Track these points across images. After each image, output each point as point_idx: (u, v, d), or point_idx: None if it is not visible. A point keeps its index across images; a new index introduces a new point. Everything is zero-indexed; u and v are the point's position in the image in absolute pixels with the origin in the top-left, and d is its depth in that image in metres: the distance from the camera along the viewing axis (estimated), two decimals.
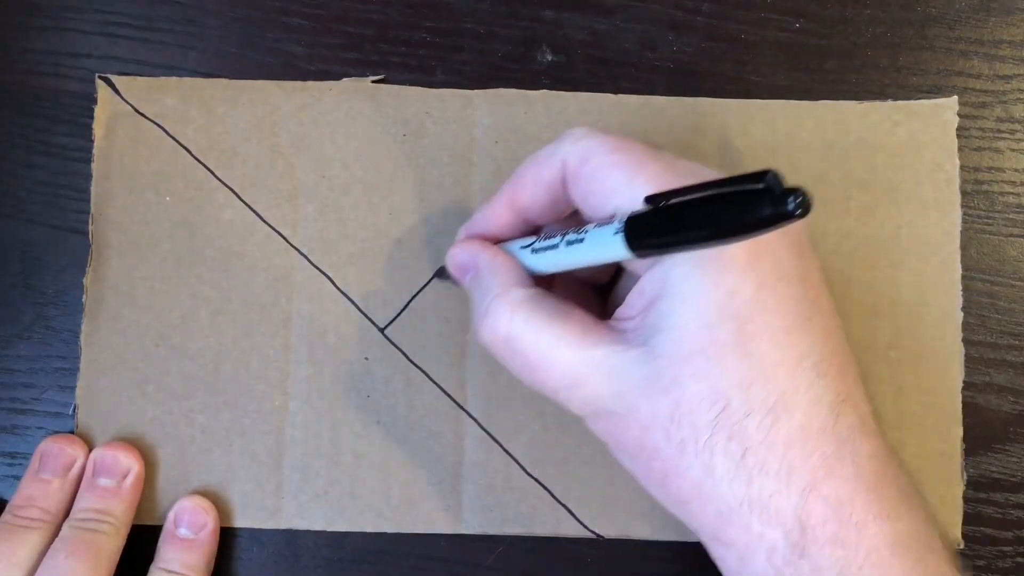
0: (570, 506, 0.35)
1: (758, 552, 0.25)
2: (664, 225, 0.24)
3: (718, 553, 0.26)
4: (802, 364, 0.24)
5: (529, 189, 0.29)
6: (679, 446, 0.25)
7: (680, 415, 0.24)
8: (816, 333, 0.25)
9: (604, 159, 0.26)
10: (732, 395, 0.24)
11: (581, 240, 0.26)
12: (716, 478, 0.24)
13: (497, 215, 0.30)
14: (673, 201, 0.24)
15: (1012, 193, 0.36)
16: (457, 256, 0.31)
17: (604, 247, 0.26)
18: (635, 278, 0.27)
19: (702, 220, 0.22)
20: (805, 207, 0.20)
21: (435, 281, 0.35)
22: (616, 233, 0.25)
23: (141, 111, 0.36)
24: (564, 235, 0.27)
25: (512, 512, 0.35)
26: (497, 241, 0.31)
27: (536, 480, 0.35)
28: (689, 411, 0.24)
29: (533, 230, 0.31)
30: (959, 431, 0.35)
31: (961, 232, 0.36)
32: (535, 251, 0.29)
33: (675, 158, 0.26)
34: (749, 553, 0.25)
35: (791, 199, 0.20)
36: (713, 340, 0.24)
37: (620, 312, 0.27)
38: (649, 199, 0.24)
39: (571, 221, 0.30)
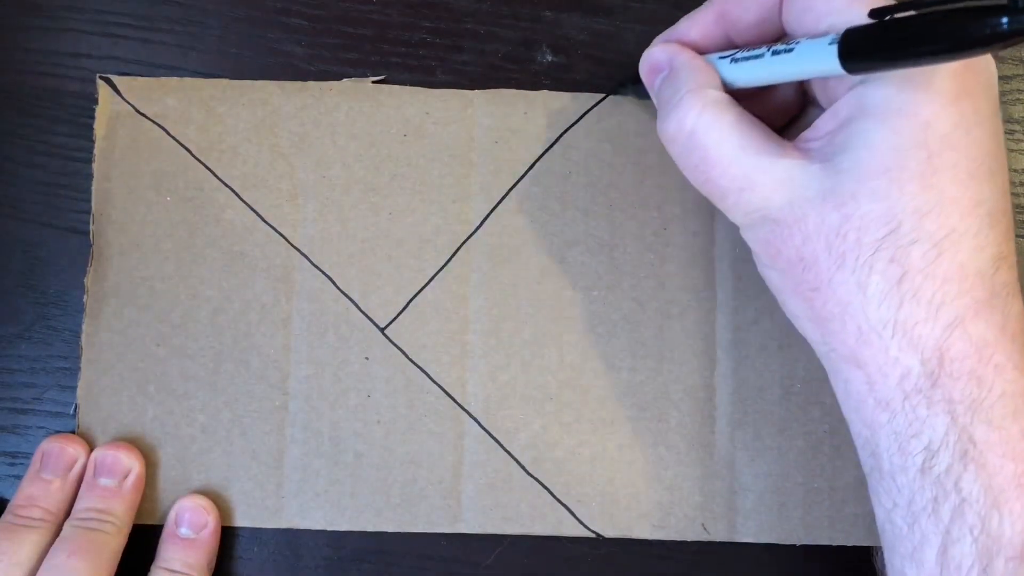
0: (570, 506, 0.35)
1: (891, 375, 0.25)
2: (888, 39, 0.23)
3: (848, 376, 0.26)
4: (977, 210, 0.25)
5: (743, 3, 0.29)
6: (839, 259, 0.25)
7: (848, 229, 0.25)
8: (996, 186, 0.26)
9: None
10: (905, 220, 0.24)
11: (790, 51, 0.26)
12: (867, 296, 0.25)
13: (703, 25, 0.30)
14: (900, 16, 0.24)
15: (1012, 193, 0.36)
16: (655, 55, 0.30)
17: (815, 59, 0.26)
18: (821, 111, 0.27)
19: (931, 34, 0.22)
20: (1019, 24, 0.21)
21: (610, 98, 0.35)
22: (831, 43, 0.25)
23: (142, 111, 0.36)
24: (771, 47, 0.28)
25: (512, 511, 0.35)
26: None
27: (536, 480, 0.35)
28: (858, 227, 0.25)
29: (730, 47, 0.31)
30: None
31: None
32: (735, 61, 0.29)
33: None
34: (881, 375, 0.25)
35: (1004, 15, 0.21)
36: (900, 164, 0.24)
37: (806, 134, 0.27)
38: (874, 12, 0.24)
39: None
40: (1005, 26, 0.21)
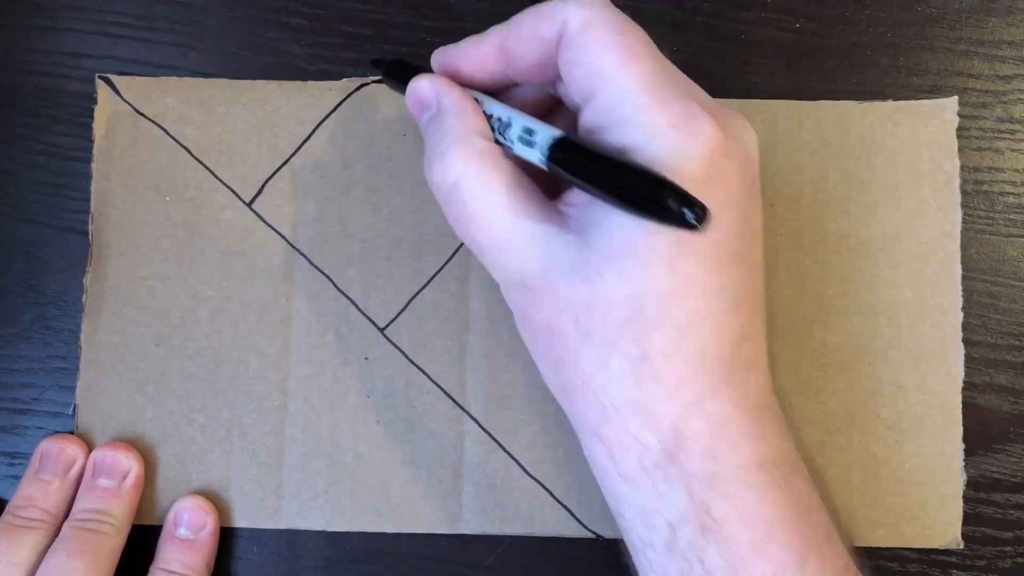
0: (570, 506, 0.35)
1: (630, 451, 0.25)
2: (579, 164, 0.25)
3: (592, 448, 0.27)
4: (722, 293, 0.25)
5: (523, 41, 0.27)
6: (584, 335, 0.25)
7: (594, 307, 0.25)
8: (743, 269, 0.26)
9: (606, 35, 0.26)
10: (649, 303, 0.24)
11: (532, 145, 0.26)
12: (609, 373, 0.25)
13: (482, 56, 0.29)
14: (587, 147, 0.25)
15: (1012, 193, 0.36)
16: (423, 90, 0.29)
17: (531, 156, 0.26)
18: None
19: (608, 179, 0.24)
20: (700, 221, 0.22)
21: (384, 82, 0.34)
22: (541, 155, 0.26)
23: (141, 111, 0.36)
24: (503, 131, 0.27)
25: (512, 512, 0.35)
26: (466, 84, 0.30)
27: (536, 480, 0.35)
28: (604, 307, 0.25)
29: (508, 85, 0.30)
30: (959, 431, 0.35)
31: (961, 232, 0.36)
32: (500, 134, 0.28)
33: (672, 68, 0.27)
34: (622, 450, 0.26)
35: (695, 209, 0.22)
36: (648, 246, 0.24)
37: (567, 196, 0.27)
38: (563, 137, 0.25)
39: (547, 89, 0.30)
40: (668, 209, 0.22)
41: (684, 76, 0.27)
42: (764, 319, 0.27)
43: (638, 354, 0.25)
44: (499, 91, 0.30)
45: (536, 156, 0.26)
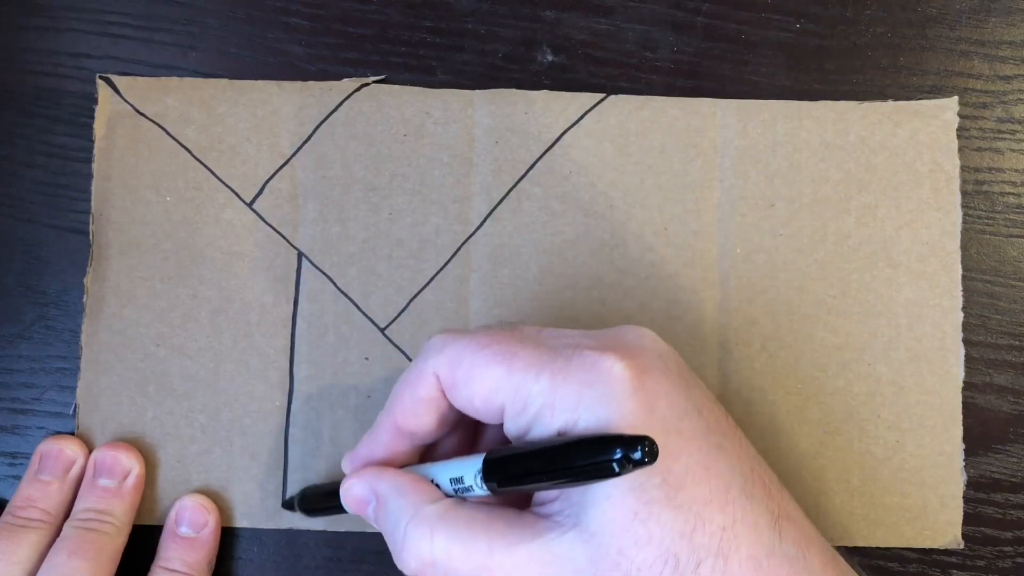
0: None
1: None
2: (518, 472, 0.25)
3: None
4: (730, 494, 0.25)
5: (410, 412, 0.28)
6: None
7: None
8: (732, 457, 0.25)
9: (476, 358, 0.26)
10: (678, 549, 0.24)
11: (469, 489, 0.26)
12: None
13: (384, 445, 0.29)
14: (516, 452, 0.25)
15: (1012, 193, 0.36)
16: (354, 489, 0.29)
17: (480, 493, 0.26)
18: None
19: (550, 465, 0.24)
20: (653, 455, 0.22)
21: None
22: (482, 489, 0.26)
23: (141, 111, 0.36)
24: (455, 485, 0.27)
25: None
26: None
27: None
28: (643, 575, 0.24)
29: (426, 448, 0.30)
30: (959, 431, 0.35)
31: (961, 232, 0.36)
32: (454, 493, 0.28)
33: (550, 335, 0.27)
34: None
35: (640, 447, 0.22)
36: (644, 500, 0.24)
37: (541, 496, 0.26)
38: (488, 461, 0.25)
39: (459, 430, 0.30)
40: (618, 463, 0.22)
41: (559, 331, 0.27)
42: (777, 480, 0.27)
43: None
44: (422, 457, 0.30)
45: (483, 492, 0.26)
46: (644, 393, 0.25)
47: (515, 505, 0.27)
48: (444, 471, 0.28)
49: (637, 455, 0.22)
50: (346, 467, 0.30)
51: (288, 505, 0.34)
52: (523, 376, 0.25)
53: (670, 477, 0.24)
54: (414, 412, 0.28)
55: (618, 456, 0.22)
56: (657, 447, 0.22)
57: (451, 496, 0.27)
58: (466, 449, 0.31)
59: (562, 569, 0.25)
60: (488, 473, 0.25)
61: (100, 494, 0.33)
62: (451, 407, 0.28)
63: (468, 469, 0.26)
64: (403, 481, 0.28)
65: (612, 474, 0.22)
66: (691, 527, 0.24)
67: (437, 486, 0.28)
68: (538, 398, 0.25)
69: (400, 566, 0.27)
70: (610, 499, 0.24)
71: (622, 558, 0.24)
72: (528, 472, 0.24)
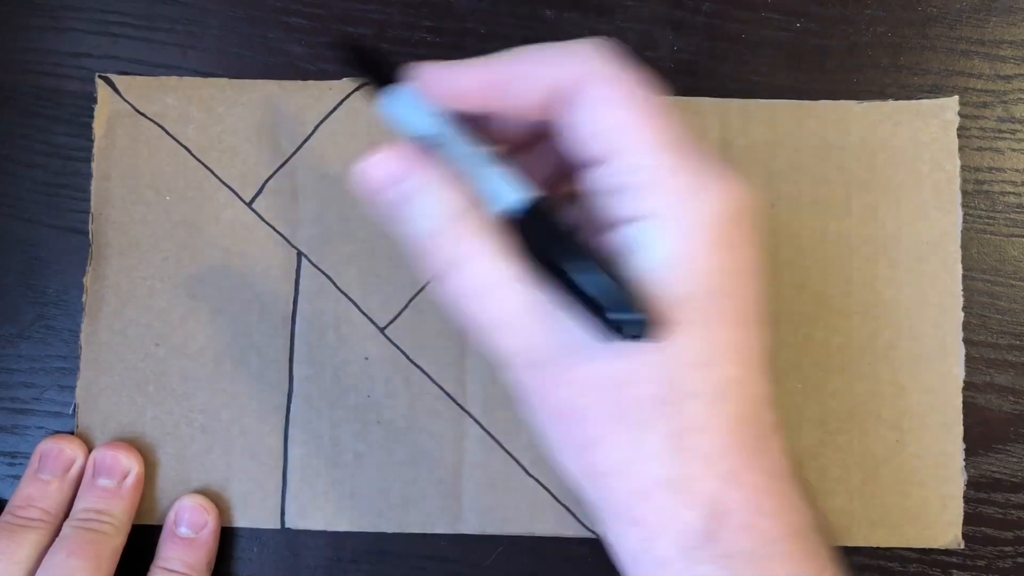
0: (570, 506, 0.35)
1: (667, 533, 0.24)
2: (544, 241, 0.23)
3: (623, 534, 0.25)
4: (750, 358, 0.24)
5: (521, 81, 0.25)
6: (613, 415, 0.23)
7: (624, 384, 0.23)
8: (763, 331, 0.25)
9: (620, 94, 0.24)
10: (681, 374, 0.23)
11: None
12: (644, 453, 0.23)
13: (468, 84, 0.25)
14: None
15: (1013, 193, 0.36)
16: (391, 164, 0.25)
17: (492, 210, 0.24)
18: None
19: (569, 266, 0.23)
20: (641, 328, 0.21)
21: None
22: (514, 205, 0.24)
23: (141, 111, 0.36)
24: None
25: (512, 512, 0.35)
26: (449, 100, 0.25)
27: (536, 480, 0.35)
28: (634, 382, 0.23)
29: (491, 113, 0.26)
30: (959, 431, 0.35)
31: (962, 232, 0.36)
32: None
33: (687, 137, 0.25)
34: (656, 534, 0.24)
35: (632, 322, 0.21)
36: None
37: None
38: (536, 209, 0.23)
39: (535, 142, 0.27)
40: (608, 322, 0.21)
41: (704, 157, 0.25)
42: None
43: (674, 429, 0.23)
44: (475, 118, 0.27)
45: (498, 211, 0.24)
46: (737, 235, 0.24)
47: None
48: (487, 175, 0.24)
49: (630, 332, 0.21)
50: (415, 73, 0.25)
51: (340, 49, 0.28)
52: (647, 145, 0.23)
53: (710, 308, 0.23)
54: (523, 80, 0.24)
55: (611, 319, 0.21)
56: (648, 331, 0.21)
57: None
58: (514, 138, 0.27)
59: (566, 333, 0.24)
60: (527, 218, 0.23)
61: (99, 494, 0.33)
62: (549, 110, 0.25)
63: (508, 192, 0.24)
64: (451, 180, 0.25)
65: (605, 327, 0.22)
66: (703, 362, 0.23)
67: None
68: (644, 174, 0.23)
69: (412, 253, 0.25)
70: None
71: (626, 358, 0.23)
72: (551, 254, 0.23)
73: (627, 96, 0.24)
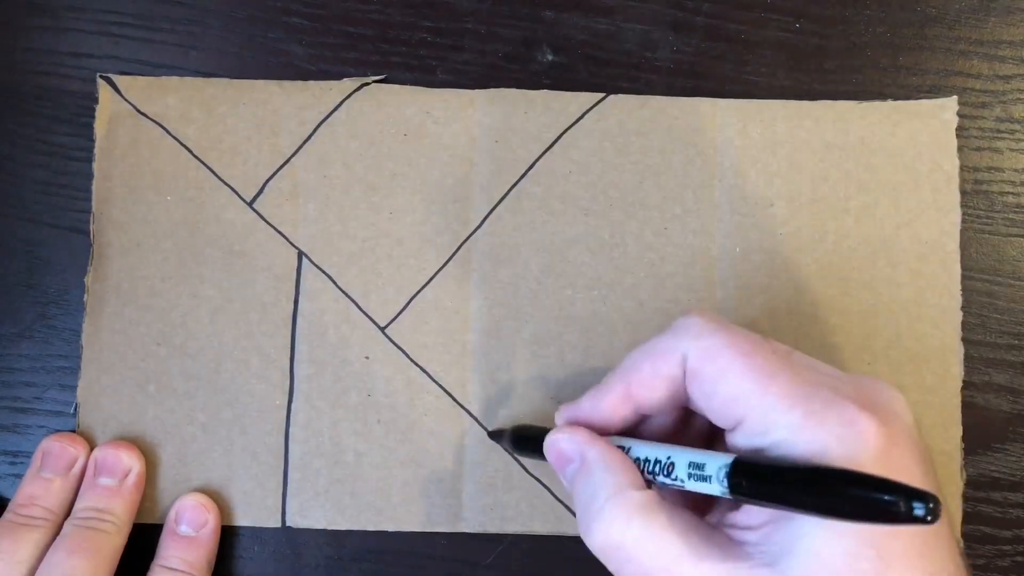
0: (570, 505, 0.35)
1: None
2: (767, 481, 0.23)
3: None
4: None
5: (647, 383, 0.27)
6: None
7: None
8: (945, 549, 0.24)
9: (733, 362, 0.25)
10: None
11: (706, 479, 0.25)
12: None
13: (608, 406, 0.28)
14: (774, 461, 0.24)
15: (1012, 193, 0.36)
16: (562, 443, 0.29)
17: (707, 489, 0.25)
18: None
19: (812, 489, 0.22)
20: (936, 514, 0.20)
21: (491, 441, 0.35)
22: (721, 486, 0.24)
23: (142, 111, 0.36)
24: (666, 472, 0.26)
25: (512, 511, 0.35)
26: (601, 432, 0.29)
27: (536, 479, 0.35)
28: None
29: (640, 419, 0.30)
30: (958, 430, 0.35)
31: (961, 232, 0.36)
32: (652, 475, 0.27)
33: (806, 364, 0.26)
34: None
35: (921, 504, 0.20)
36: (852, 568, 0.23)
37: (738, 519, 0.26)
38: (740, 463, 0.24)
39: (673, 415, 0.30)
40: (893, 510, 0.20)
41: (811, 362, 0.26)
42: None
43: None
44: (628, 429, 0.30)
45: (715, 488, 0.25)
46: (888, 464, 0.24)
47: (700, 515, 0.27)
48: (669, 452, 0.26)
49: (920, 510, 0.20)
50: (559, 419, 0.30)
51: (495, 436, 0.34)
52: (775, 403, 0.24)
53: (884, 552, 0.23)
54: (650, 384, 0.27)
55: (902, 503, 0.20)
56: (940, 509, 0.20)
57: (650, 481, 0.27)
58: (669, 435, 0.30)
59: None
60: (737, 475, 0.24)
61: (100, 493, 0.33)
62: (681, 394, 0.27)
63: (713, 461, 0.25)
64: (614, 457, 0.27)
65: (887, 519, 0.20)
66: None
67: (639, 463, 0.27)
68: (783, 430, 0.24)
69: (585, 535, 0.26)
70: (819, 556, 0.23)
71: None
72: (782, 488, 0.23)
73: (739, 364, 0.25)
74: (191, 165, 0.36)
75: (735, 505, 0.26)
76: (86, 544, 0.32)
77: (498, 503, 0.35)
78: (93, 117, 0.36)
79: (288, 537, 0.35)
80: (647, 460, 0.27)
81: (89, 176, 0.36)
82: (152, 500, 0.35)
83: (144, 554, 0.34)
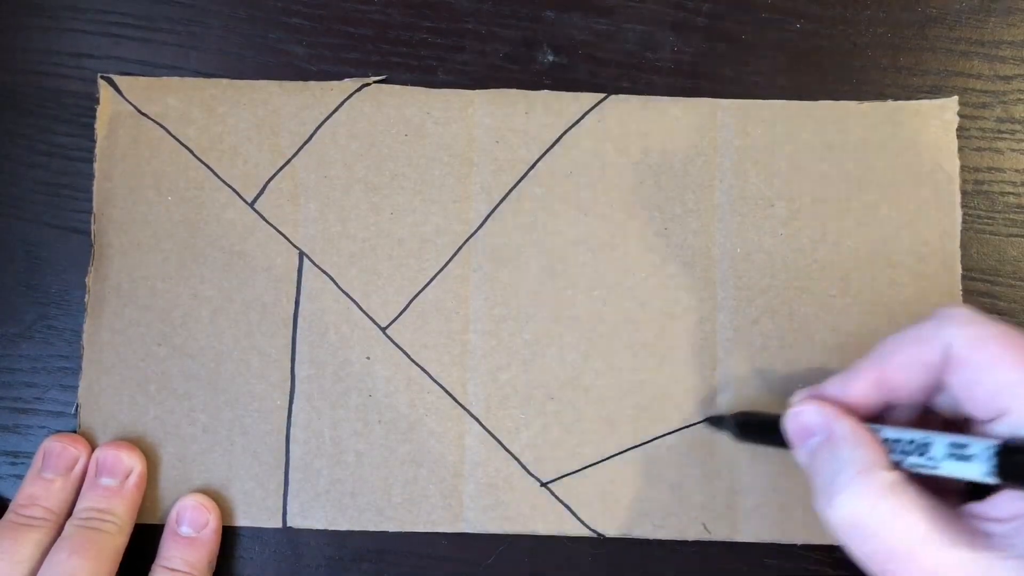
0: (570, 505, 0.35)
1: None
2: None
3: None
4: None
5: (903, 369, 0.27)
6: None
7: None
8: None
9: (1003, 352, 0.25)
10: None
11: (968, 459, 0.25)
12: None
13: (860, 393, 0.28)
14: None
15: (1012, 193, 0.36)
16: (808, 417, 0.28)
17: (966, 472, 0.25)
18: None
19: None
20: None
21: (703, 425, 0.34)
22: (986, 468, 0.24)
23: (143, 111, 0.36)
24: (919, 452, 0.26)
25: (513, 511, 0.35)
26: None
27: (537, 479, 0.35)
28: None
29: (882, 411, 0.29)
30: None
31: (962, 232, 0.36)
32: (904, 453, 0.27)
33: None
34: None
35: None
36: None
37: (983, 510, 0.26)
38: (1009, 444, 0.24)
39: (920, 413, 0.29)
40: None
41: None
42: None
43: None
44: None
45: (976, 471, 0.25)
46: None
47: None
48: (924, 435, 0.26)
49: None
50: (797, 396, 0.30)
51: (715, 422, 0.34)
52: None
53: None
54: (908, 371, 0.27)
55: None
56: None
57: (897, 464, 0.27)
58: (909, 422, 0.30)
59: None
60: (1007, 456, 0.24)
61: (102, 493, 0.33)
62: (935, 384, 0.27)
63: (976, 443, 0.25)
64: (864, 433, 0.27)
65: None
66: None
67: (888, 444, 0.27)
68: None
69: (826, 509, 0.26)
70: None
71: None
72: None
73: (1009, 354, 0.25)
74: (191, 165, 0.36)
75: (979, 497, 0.26)
76: (88, 544, 0.32)
77: (499, 503, 0.35)
78: (93, 117, 0.36)
79: (289, 537, 0.35)
80: (898, 440, 0.27)
81: (89, 176, 0.36)
82: (153, 500, 0.35)
83: (145, 554, 0.34)
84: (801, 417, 0.29)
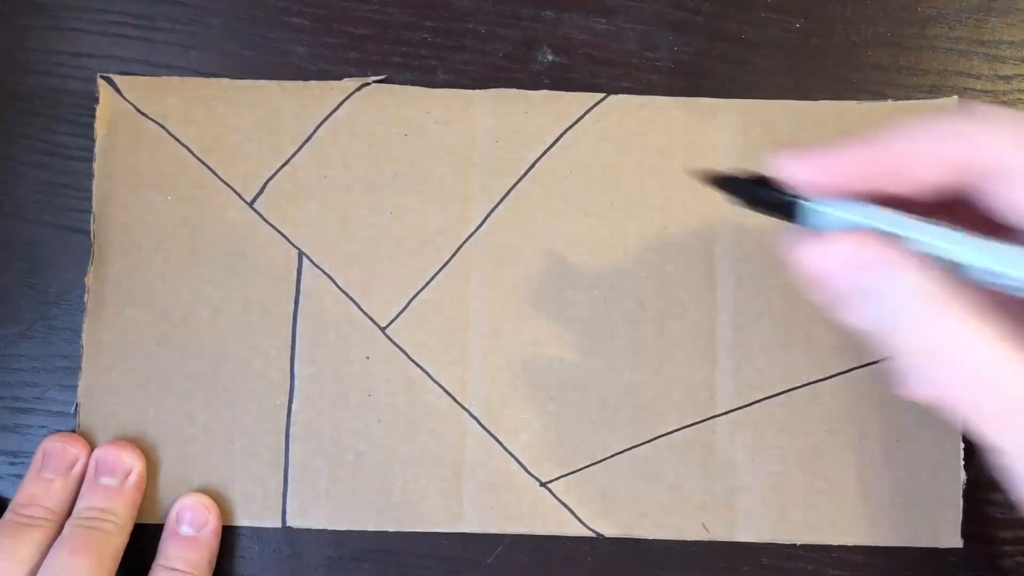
0: (570, 505, 0.35)
1: None
2: None
3: None
4: None
5: (920, 164, 0.23)
6: None
7: None
8: None
9: None
10: None
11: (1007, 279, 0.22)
12: None
13: (849, 169, 0.24)
14: None
15: None
16: (844, 250, 0.23)
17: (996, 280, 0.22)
18: None
19: None
20: None
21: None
22: None
23: (143, 111, 0.36)
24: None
25: (513, 511, 0.35)
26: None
27: (536, 479, 0.35)
28: None
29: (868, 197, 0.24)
30: (959, 430, 0.35)
31: None
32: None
33: None
34: None
35: None
36: None
37: None
38: None
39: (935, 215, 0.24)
40: None
41: None
42: None
43: None
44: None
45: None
46: None
47: None
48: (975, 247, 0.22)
49: None
50: (786, 168, 0.25)
51: (722, 183, 0.28)
52: None
53: None
54: (925, 167, 0.23)
55: None
56: None
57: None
58: None
59: None
60: None
61: (102, 492, 0.33)
62: (956, 186, 0.23)
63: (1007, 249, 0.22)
64: (926, 266, 0.23)
65: None
66: None
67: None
68: None
69: (888, 340, 0.23)
70: None
71: None
72: None
73: None
74: (192, 165, 0.36)
75: None
76: (88, 544, 0.32)
77: (499, 503, 0.35)
78: (93, 117, 0.36)
79: (289, 537, 0.35)
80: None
81: (89, 176, 0.36)
82: (153, 500, 0.35)
83: (145, 554, 0.34)
84: (861, 248, 0.23)
